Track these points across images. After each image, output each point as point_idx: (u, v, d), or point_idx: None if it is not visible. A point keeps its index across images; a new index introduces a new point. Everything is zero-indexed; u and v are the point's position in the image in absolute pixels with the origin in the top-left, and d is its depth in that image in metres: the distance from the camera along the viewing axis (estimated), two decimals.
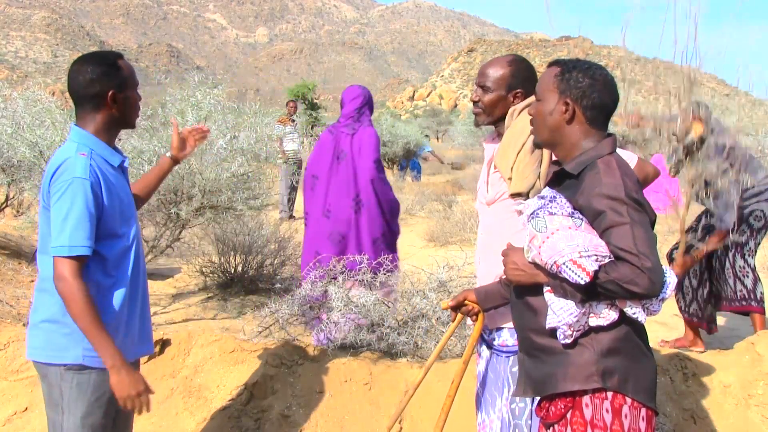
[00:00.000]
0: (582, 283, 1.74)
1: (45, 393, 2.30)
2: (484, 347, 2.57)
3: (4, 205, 7.55)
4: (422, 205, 12.62)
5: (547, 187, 2.01)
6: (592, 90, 1.92)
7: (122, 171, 2.39)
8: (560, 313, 1.83)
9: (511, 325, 2.41)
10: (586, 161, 1.90)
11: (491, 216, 2.54)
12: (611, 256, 1.76)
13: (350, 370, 3.69)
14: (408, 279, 4.26)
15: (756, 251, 4.49)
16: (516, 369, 2.37)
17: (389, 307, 4.02)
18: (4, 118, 6.16)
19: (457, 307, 2.49)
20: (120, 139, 5.15)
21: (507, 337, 2.44)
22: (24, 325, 4.34)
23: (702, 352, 3.99)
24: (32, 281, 5.76)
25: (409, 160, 18.19)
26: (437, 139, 37.80)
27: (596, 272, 1.74)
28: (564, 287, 1.81)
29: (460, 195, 14.28)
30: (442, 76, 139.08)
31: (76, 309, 2.11)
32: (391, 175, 17.26)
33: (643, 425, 1.84)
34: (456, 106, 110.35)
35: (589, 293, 1.78)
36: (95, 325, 2.12)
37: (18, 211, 8.31)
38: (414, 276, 4.35)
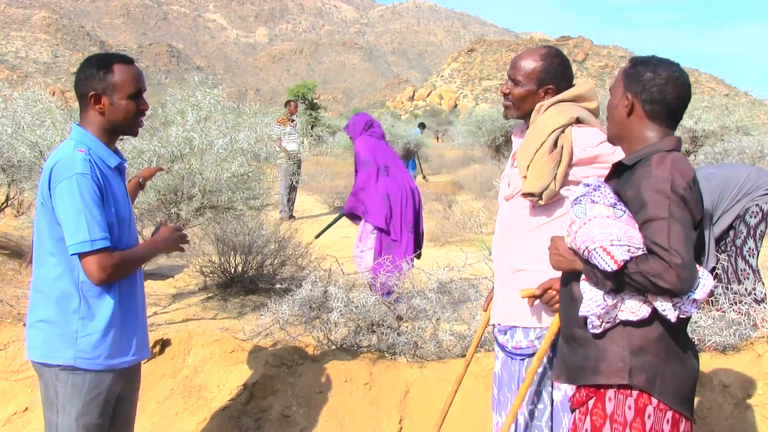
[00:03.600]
0: (609, 270, 1.76)
1: (42, 392, 2.30)
2: (499, 349, 2.55)
3: (4, 205, 7.55)
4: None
5: (595, 177, 2.02)
6: (651, 84, 1.93)
7: (119, 173, 2.37)
8: (589, 303, 1.86)
9: (524, 324, 2.40)
10: (643, 154, 1.92)
11: (507, 211, 2.51)
12: (645, 249, 1.77)
13: (350, 370, 3.69)
14: (408, 279, 4.27)
15: (759, 251, 4.36)
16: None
17: (389, 308, 4.02)
18: (5, 118, 6.15)
19: (539, 296, 2.39)
20: (122, 139, 5.15)
21: (520, 338, 2.42)
22: (24, 325, 4.34)
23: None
24: None
25: (409, 160, 18.18)
26: (437, 139, 37.74)
27: (626, 262, 1.75)
28: (596, 274, 1.84)
29: (460, 195, 14.27)
30: (442, 76, 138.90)
31: (133, 266, 2.30)
32: None
33: (667, 427, 1.83)
34: (456, 106, 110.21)
35: (618, 283, 1.80)
36: (141, 255, 2.35)
37: (18, 211, 8.30)
38: (414, 276, 4.35)
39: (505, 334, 2.48)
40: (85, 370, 2.22)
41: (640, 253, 1.76)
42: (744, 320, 3.77)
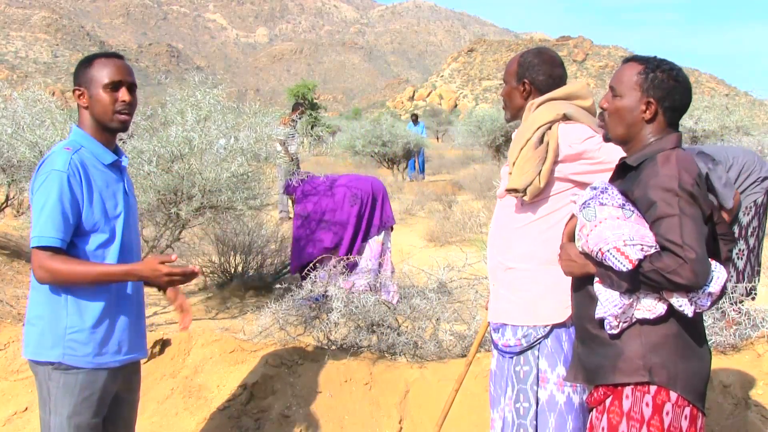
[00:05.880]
0: (625, 270, 1.77)
1: (37, 391, 2.28)
2: (493, 346, 2.58)
3: (4, 205, 7.55)
4: (422, 205, 12.62)
5: (601, 180, 2.03)
6: (675, 92, 1.93)
7: (119, 170, 2.36)
8: (606, 304, 1.86)
9: (514, 322, 2.42)
10: (647, 154, 1.93)
11: (500, 210, 2.55)
12: (657, 246, 1.78)
13: (350, 370, 3.69)
14: (408, 279, 4.27)
15: (751, 252, 4.14)
16: (518, 369, 2.38)
17: (389, 308, 4.02)
18: (5, 118, 6.14)
19: None
20: (123, 141, 5.15)
21: (509, 336, 2.43)
22: (24, 324, 4.34)
23: None
24: None
25: (408, 160, 18.19)
26: (437, 139, 37.74)
27: (641, 261, 1.76)
28: (610, 276, 1.84)
29: (460, 195, 14.28)
30: (442, 76, 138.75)
31: (68, 278, 2.14)
32: (390, 174, 17.27)
33: (685, 424, 1.84)
34: (456, 106, 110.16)
35: (634, 282, 1.81)
36: (90, 272, 2.15)
37: (18, 211, 8.31)
38: (414, 276, 4.35)
39: (497, 331, 2.50)
40: (77, 369, 2.20)
41: (653, 251, 1.77)
42: (744, 320, 3.77)
